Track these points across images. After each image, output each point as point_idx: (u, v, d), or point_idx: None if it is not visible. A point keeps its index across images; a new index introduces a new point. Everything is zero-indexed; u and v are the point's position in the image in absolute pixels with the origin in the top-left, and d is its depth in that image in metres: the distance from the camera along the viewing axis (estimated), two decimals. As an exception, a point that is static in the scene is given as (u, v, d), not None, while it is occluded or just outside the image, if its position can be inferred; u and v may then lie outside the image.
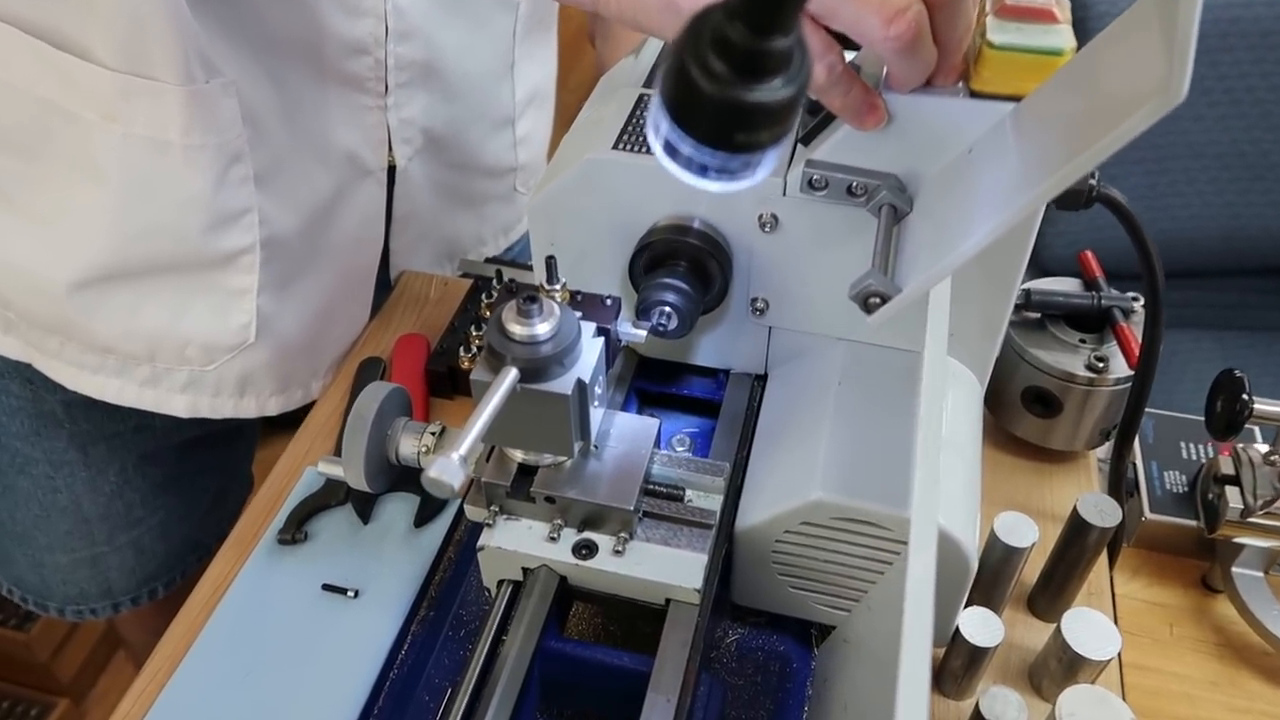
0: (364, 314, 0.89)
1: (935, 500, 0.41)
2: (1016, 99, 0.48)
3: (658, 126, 0.32)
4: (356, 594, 0.66)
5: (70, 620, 0.97)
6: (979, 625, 0.57)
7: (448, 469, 0.44)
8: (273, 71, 0.70)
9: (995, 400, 0.75)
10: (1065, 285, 0.74)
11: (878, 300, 0.46)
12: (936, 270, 0.46)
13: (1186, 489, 0.76)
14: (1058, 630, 0.59)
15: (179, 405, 0.80)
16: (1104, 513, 0.59)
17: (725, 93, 0.29)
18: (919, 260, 0.48)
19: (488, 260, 0.97)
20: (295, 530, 0.69)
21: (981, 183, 0.48)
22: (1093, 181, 0.55)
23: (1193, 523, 0.73)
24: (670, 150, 0.32)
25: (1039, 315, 0.73)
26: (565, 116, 0.71)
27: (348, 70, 0.74)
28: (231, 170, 0.69)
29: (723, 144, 0.31)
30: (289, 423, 0.83)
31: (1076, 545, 0.61)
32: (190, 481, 0.96)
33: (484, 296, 0.86)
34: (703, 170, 0.33)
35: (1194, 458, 0.78)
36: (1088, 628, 0.58)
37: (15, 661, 1.48)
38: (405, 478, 0.60)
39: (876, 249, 0.49)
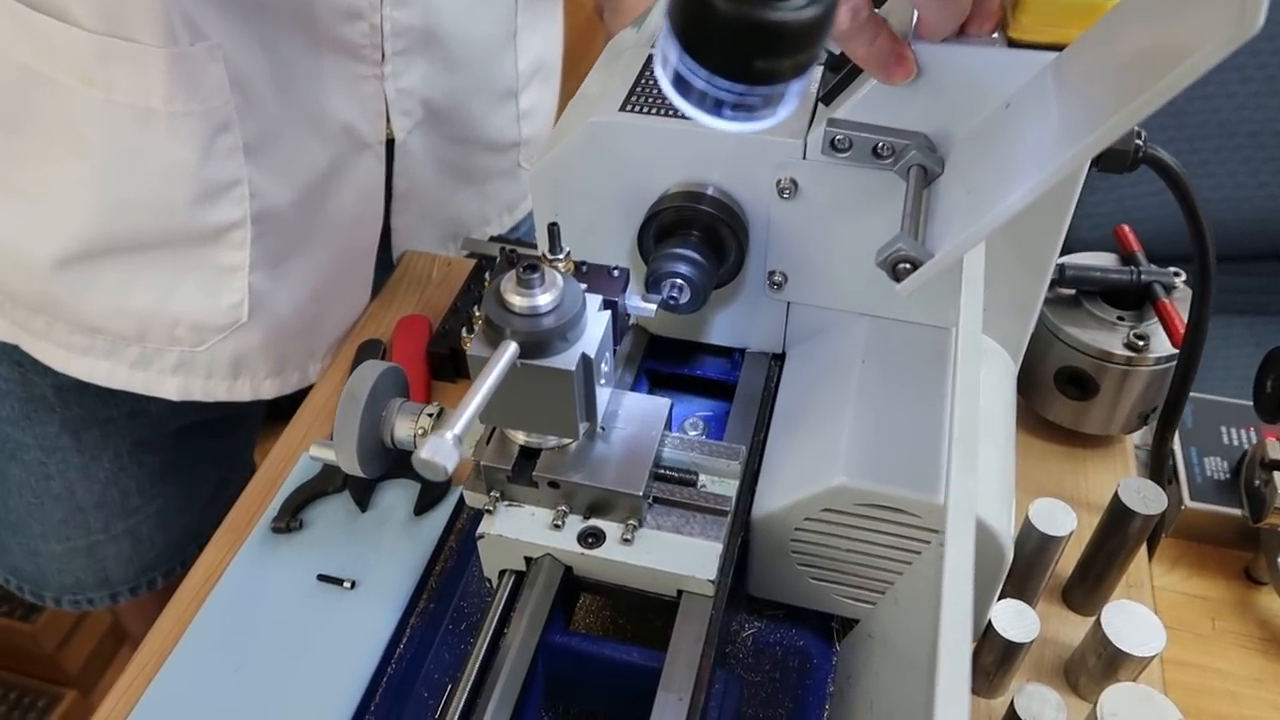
0: (364, 295, 0.86)
1: (973, 486, 0.37)
2: (1058, 48, 0.44)
3: (666, 57, 0.28)
4: (353, 585, 0.63)
5: (68, 610, 0.95)
6: (1013, 619, 0.53)
7: (440, 449, 0.40)
8: (263, 36, 0.67)
9: (1026, 382, 0.71)
10: (1101, 260, 0.70)
11: (908, 266, 0.43)
12: (971, 233, 0.42)
13: (1229, 476, 0.72)
14: (1097, 624, 0.55)
15: (170, 387, 0.77)
16: (1147, 499, 0.56)
17: (743, 11, 0.25)
18: (952, 224, 0.44)
19: (492, 239, 0.94)
20: (290, 518, 0.66)
21: (1020, 140, 0.44)
22: (1139, 141, 0.51)
23: (1236, 511, 0.70)
24: (680, 85, 0.29)
25: (1073, 291, 0.69)
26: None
27: (342, 36, 0.71)
28: (219, 140, 0.66)
29: (740, 73, 0.28)
30: (292, 412, 0.80)
31: (1117, 534, 0.57)
32: (189, 470, 0.93)
33: (488, 276, 0.82)
34: (717, 107, 0.29)
35: (1236, 443, 0.74)
36: (1130, 622, 0.54)
37: (21, 653, 1.46)
38: (404, 463, 0.57)
39: (906, 212, 0.45)
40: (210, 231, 0.70)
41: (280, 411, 0.81)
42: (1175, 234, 0.92)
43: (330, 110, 0.74)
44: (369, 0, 0.71)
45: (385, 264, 0.89)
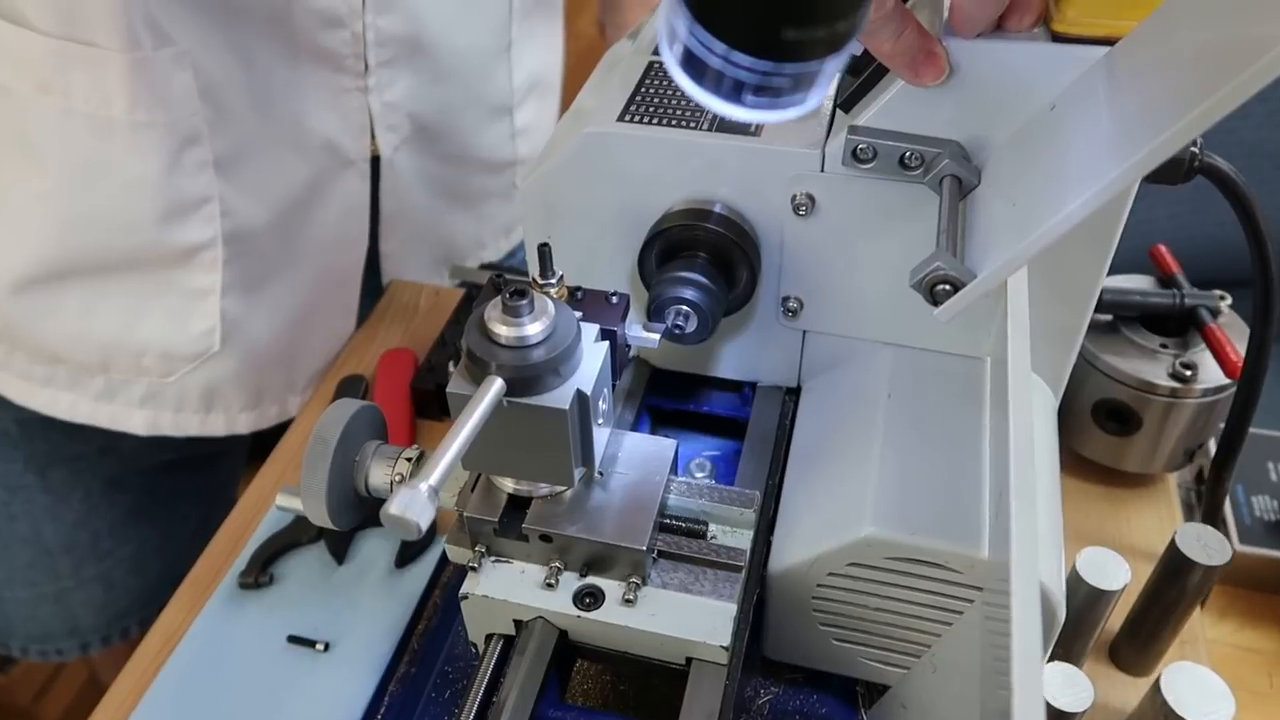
0: (349, 322, 0.81)
1: (1035, 544, 0.32)
2: (1109, 42, 0.40)
3: (673, 32, 0.23)
4: (327, 647, 0.57)
5: (36, 661, 0.89)
6: (1063, 685, 0.47)
7: (413, 503, 0.35)
8: (236, 43, 0.62)
9: (1059, 415, 0.65)
10: (1138, 282, 0.65)
11: (947, 288, 0.37)
12: (1019, 252, 0.37)
13: (1279, 516, 0.67)
14: (1155, 690, 0.49)
15: (137, 422, 0.72)
16: (1209, 548, 0.50)
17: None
18: (994, 242, 0.39)
19: (484, 266, 0.89)
20: (259, 572, 0.60)
21: (1070, 146, 0.39)
22: (1194, 149, 0.46)
23: (1291, 555, 0.64)
24: (691, 65, 0.23)
25: (1110, 317, 0.63)
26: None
27: (322, 45, 0.66)
28: (186, 153, 0.62)
29: (766, 47, 0.23)
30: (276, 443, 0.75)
31: (1174, 586, 0.51)
32: (166, 509, 0.88)
33: (476, 303, 0.77)
34: (736, 91, 0.24)
35: (1286, 480, 0.69)
36: (1193, 686, 0.48)
37: (-4, 705, 1.41)
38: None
39: (941, 228, 0.40)
40: (178, 252, 0.66)
41: (266, 446, 0.76)
42: (1207, 254, 0.88)
43: (310, 124, 0.69)
44: (350, 6, 0.66)
45: (375, 290, 0.84)
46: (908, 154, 0.44)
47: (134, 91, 0.58)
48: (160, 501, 0.87)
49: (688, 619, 0.44)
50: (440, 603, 0.59)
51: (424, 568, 0.61)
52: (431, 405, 0.72)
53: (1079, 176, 0.36)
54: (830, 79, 0.25)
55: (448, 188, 0.84)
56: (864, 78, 0.45)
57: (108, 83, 0.58)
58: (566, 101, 0.96)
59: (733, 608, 0.44)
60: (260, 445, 0.82)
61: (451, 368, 0.72)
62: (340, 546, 0.62)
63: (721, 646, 0.43)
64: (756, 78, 0.23)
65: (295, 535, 0.62)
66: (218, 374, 0.73)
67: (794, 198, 0.48)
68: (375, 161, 0.76)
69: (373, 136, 0.74)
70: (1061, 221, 0.36)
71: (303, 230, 0.72)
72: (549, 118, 0.93)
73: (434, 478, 0.36)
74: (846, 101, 0.46)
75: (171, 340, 0.69)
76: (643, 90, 0.51)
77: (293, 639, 0.57)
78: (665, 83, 0.52)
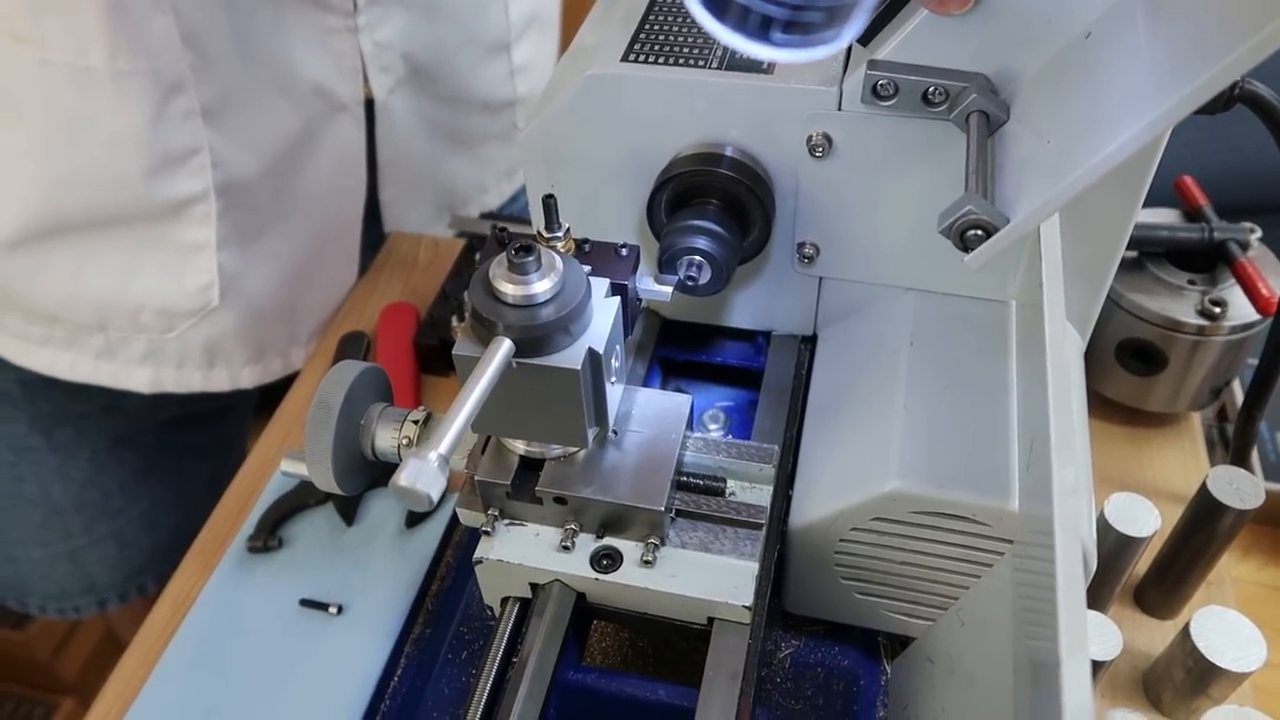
0: (350, 273, 0.79)
1: (1077, 503, 0.30)
2: (1150, -38, 0.37)
3: (693, -37, 0.21)
4: (340, 610, 0.56)
5: (54, 618, 0.89)
6: (1091, 633, 0.46)
7: (423, 474, 0.33)
8: None
9: (1081, 356, 0.63)
10: (1163, 217, 0.63)
11: (979, 233, 0.35)
12: (1056, 194, 0.35)
13: (1305, 452, 0.65)
14: (1185, 634, 0.48)
15: (139, 379, 0.71)
16: (1241, 491, 0.48)
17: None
18: (1027, 182, 0.37)
19: (484, 216, 0.86)
20: (268, 536, 0.59)
21: (1107, 78, 0.37)
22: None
23: (1317, 492, 0.63)
24: (715, 1, 0.21)
25: (1135, 253, 0.61)
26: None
27: None
28: (172, 102, 0.59)
29: (799, -24, 0.20)
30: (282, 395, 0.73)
31: (1204, 531, 0.50)
32: (175, 466, 0.87)
33: (478, 258, 0.75)
34: (764, 29, 0.22)
35: (1311, 416, 0.67)
36: (1224, 631, 0.48)
37: (15, 662, 1.43)
38: (391, 471, 0.50)
39: (970, 168, 0.38)
40: (169, 206, 0.63)
41: (274, 398, 0.75)
42: (1223, 182, 0.85)
43: (299, 68, 0.66)
44: None
45: (376, 240, 0.82)
46: (931, 89, 0.41)
47: (113, 38, 0.55)
48: (169, 458, 0.86)
49: (708, 579, 0.43)
50: (453, 563, 0.59)
51: (435, 527, 0.60)
52: (435, 361, 0.70)
53: (1121, 111, 0.34)
54: (868, 11, 0.22)
55: (446, 131, 0.81)
56: (882, 7, 0.42)
57: (84, 29, 0.55)
58: (566, 37, 0.93)
59: (754, 566, 0.43)
60: (267, 398, 0.81)
61: (454, 322, 0.70)
62: (349, 508, 0.61)
63: (744, 606, 0.42)
64: (786, 12, 0.21)
65: (303, 498, 0.61)
66: (218, 329, 0.71)
67: (810, 139, 0.46)
68: (370, 105, 0.73)
69: (365, 79, 0.71)
70: (1103, 161, 0.33)
71: (297, 179, 0.70)
72: (548, 55, 0.89)
73: (443, 446, 0.34)
74: (865, 34, 0.43)
75: (168, 296, 0.68)
76: (647, 26, 0.48)
77: (305, 602, 0.56)
78: (671, 17, 0.49)
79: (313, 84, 0.68)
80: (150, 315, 0.69)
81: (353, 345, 0.72)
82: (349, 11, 0.67)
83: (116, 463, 0.82)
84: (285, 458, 0.51)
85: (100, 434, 0.80)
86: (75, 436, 0.79)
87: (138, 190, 0.62)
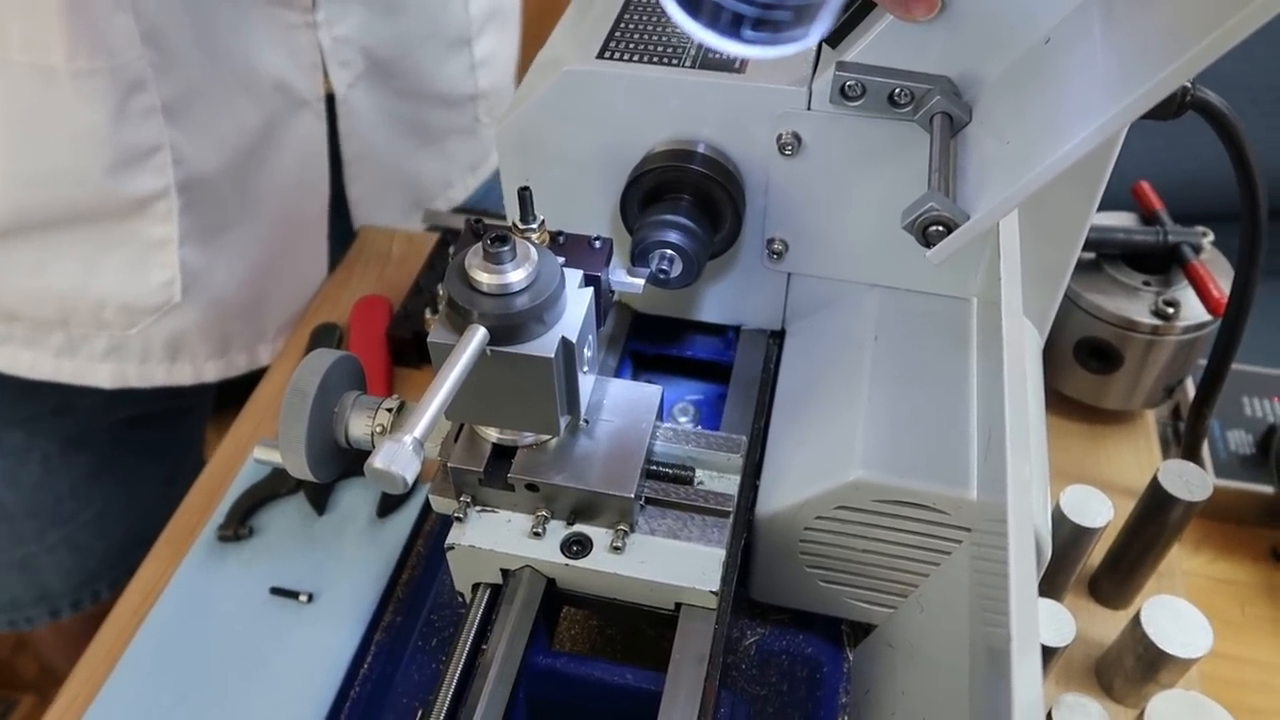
0: (318, 268, 0.79)
1: (1029, 491, 0.32)
2: (1106, -27, 0.38)
3: (668, -40, 0.22)
4: (311, 598, 0.56)
5: (3, 631, 0.86)
6: (1046, 621, 0.48)
7: (398, 457, 0.34)
8: None
9: (1041, 354, 0.65)
10: (1121, 220, 0.65)
11: (940, 229, 0.37)
12: (1014, 192, 0.36)
13: (1254, 450, 0.67)
14: (1135, 622, 0.50)
15: (102, 375, 0.70)
16: (1190, 484, 0.50)
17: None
18: (987, 181, 0.38)
19: (456, 210, 0.87)
20: (239, 525, 0.59)
21: (1064, 83, 0.38)
22: (1187, 83, 0.45)
23: (1265, 488, 0.65)
24: (687, -2, 0.22)
25: (1093, 255, 0.63)
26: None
27: None
28: (133, 100, 0.59)
29: (768, -24, 0.21)
30: (246, 397, 0.73)
31: (1155, 522, 0.52)
32: (128, 469, 0.86)
33: (452, 251, 0.75)
34: (734, 26, 0.23)
35: (1259, 414, 0.70)
36: (1172, 619, 0.49)
37: (-28, 659, 1.40)
38: (364, 460, 0.50)
39: (933, 167, 0.39)
40: (131, 203, 0.63)
41: (233, 397, 0.75)
42: (1182, 189, 0.87)
43: (260, 64, 0.67)
44: None
45: (346, 236, 0.82)
46: (897, 91, 0.43)
47: (73, 37, 0.55)
48: (122, 461, 0.85)
49: (676, 565, 0.44)
50: (424, 551, 0.59)
51: (406, 517, 0.60)
52: (408, 353, 0.71)
53: (1075, 115, 0.35)
54: (834, 12, 0.24)
55: (409, 126, 0.82)
56: (851, 11, 0.43)
57: (44, 28, 0.55)
58: (527, 31, 0.93)
59: (721, 553, 0.44)
60: (226, 397, 0.81)
61: (428, 315, 0.70)
62: (320, 497, 0.61)
63: (711, 592, 0.43)
64: (756, 10, 0.22)
65: (274, 487, 0.61)
66: (182, 324, 0.71)
67: (780, 137, 0.47)
68: (331, 101, 0.73)
69: (326, 75, 0.71)
70: (1058, 161, 0.35)
71: (260, 175, 0.70)
72: (509, 48, 0.90)
73: (418, 430, 0.35)
74: (834, 36, 0.44)
75: (131, 292, 0.68)
76: (623, 25, 0.49)
77: (275, 591, 0.57)
78: (647, 16, 0.50)
79: (273, 80, 0.68)
80: (112, 312, 0.68)
81: (325, 336, 0.72)
82: (308, 7, 0.67)
83: (67, 466, 0.81)
84: (259, 445, 0.51)
85: (51, 437, 0.79)
86: (25, 439, 0.78)
87: (99, 187, 0.62)
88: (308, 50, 0.69)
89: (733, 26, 0.23)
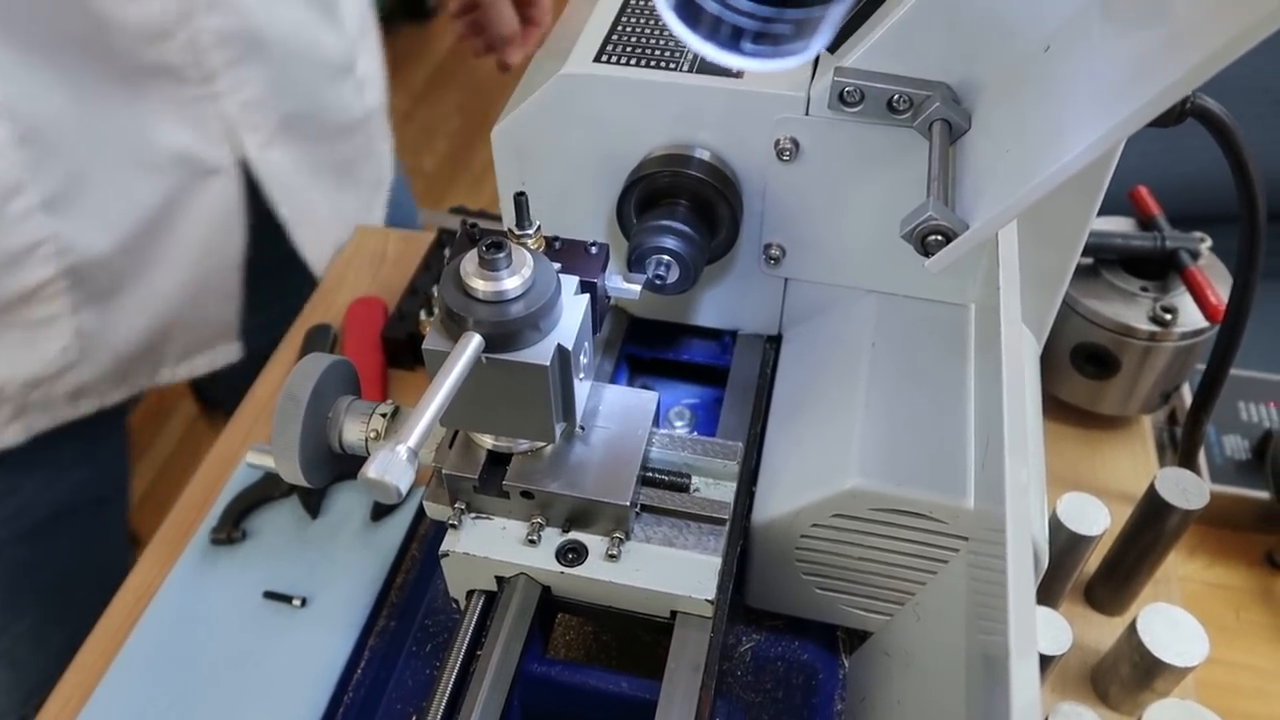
0: (230, 312, 0.80)
1: (1028, 501, 0.31)
2: (1107, -20, 0.38)
3: (667, -28, 0.21)
4: (304, 602, 0.56)
5: None
6: (1043, 629, 0.48)
7: (392, 466, 0.34)
8: (57, 75, 0.59)
9: (1038, 359, 0.65)
10: (1118, 225, 0.64)
11: (939, 239, 0.36)
12: (1014, 202, 0.36)
13: (1249, 455, 0.67)
14: (1131, 630, 0.50)
15: (10, 436, 0.70)
16: (1187, 492, 0.50)
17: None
18: (986, 190, 0.38)
19: (453, 210, 0.86)
20: (231, 528, 0.59)
21: (1065, 91, 0.38)
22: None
23: (1261, 494, 0.65)
24: (686, 10, 0.22)
25: (1091, 260, 0.63)
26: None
27: (151, 60, 0.63)
28: (8, 205, 0.59)
29: (768, -10, 0.21)
30: (229, 406, 0.72)
31: (1151, 530, 0.52)
32: (55, 572, 0.81)
33: (447, 254, 0.75)
34: (734, 38, 0.23)
35: (1255, 420, 0.70)
36: (1168, 627, 0.49)
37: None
38: (358, 464, 0.50)
39: (932, 174, 0.39)
40: (16, 296, 0.63)
41: (219, 398, 0.74)
42: (1179, 194, 0.87)
43: (158, 140, 0.66)
44: (172, 15, 0.62)
45: (306, 286, 0.81)
46: (896, 97, 0.42)
47: None
48: (48, 563, 0.80)
49: (672, 573, 0.44)
50: (418, 556, 0.59)
51: (400, 521, 0.60)
52: (403, 355, 0.70)
53: (1075, 125, 0.35)
54: (834, 25, 0.23)
55: (326, 166, 0.80)
56: (851, 17, 0.43)
57: None
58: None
59: (717, 561, 0.44)
60: (212, 398, 0.80)
61: (423, 316, 0.70)
62: (314, 501, 0.61)
63: (706, 600, 0.43)
64: (757, 24, 0.22)
65: (267, 490, 0.61)
66: (83, 377, 0.71)
67: (777, 142, 0.46)
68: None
69: (239, 139, 0.71)
70: (1058, 172, 0.35)
71: (165, 243, 0.70)
72: (375, 55, 0.87)
73: (413, 439, 0.35)
74: (833, 42, 0.44)
75: (27, 368, 0.68)
76: (620, 27, 0.49)
77: (269, 595, 0.56)
78: (644, 20, 0.50)
79: (173, 154, 0.67)
80: (14, 388, 0.68)
81: (319, 338, 0.72)
82: (205, 79, 0.66)
83: None
84: (252, 450, 0.51)
85: None
86: None
87: None
88: (212, 120, 0.68)
89: (732, 39, 0.23)
